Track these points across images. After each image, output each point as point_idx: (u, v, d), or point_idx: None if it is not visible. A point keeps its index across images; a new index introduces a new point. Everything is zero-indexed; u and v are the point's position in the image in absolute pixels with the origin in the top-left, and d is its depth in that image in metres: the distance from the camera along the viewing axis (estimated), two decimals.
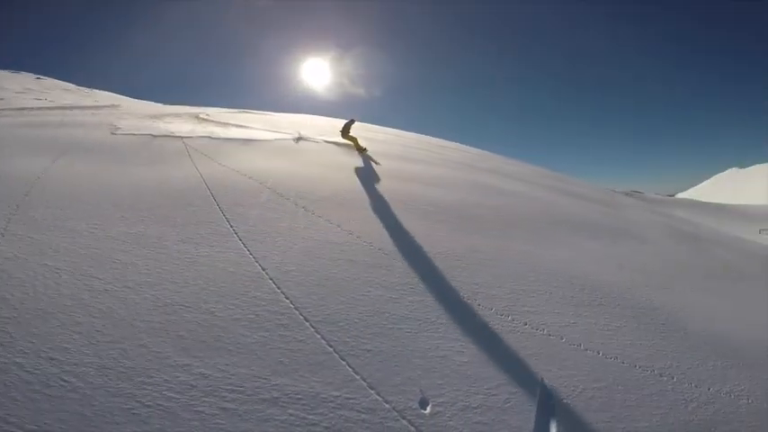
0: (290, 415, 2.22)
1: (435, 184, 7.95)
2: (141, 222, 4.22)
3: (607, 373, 3.14)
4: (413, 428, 2.31)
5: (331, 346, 2.77)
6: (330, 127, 14.38)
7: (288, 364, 2.56)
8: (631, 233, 8.18)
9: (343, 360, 2.67)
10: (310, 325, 2.93)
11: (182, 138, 8.96)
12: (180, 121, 12.35)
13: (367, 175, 7.52)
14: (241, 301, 3.07)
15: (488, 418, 2.47)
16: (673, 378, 3.29)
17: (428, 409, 2.45)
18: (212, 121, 12.71)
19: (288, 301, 3.18)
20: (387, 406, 2.41)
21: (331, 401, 2.36)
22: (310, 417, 2.24)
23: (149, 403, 2.13)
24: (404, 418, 2.36)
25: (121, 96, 23.44)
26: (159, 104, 21.14)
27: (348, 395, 2.42)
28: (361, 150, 9.80)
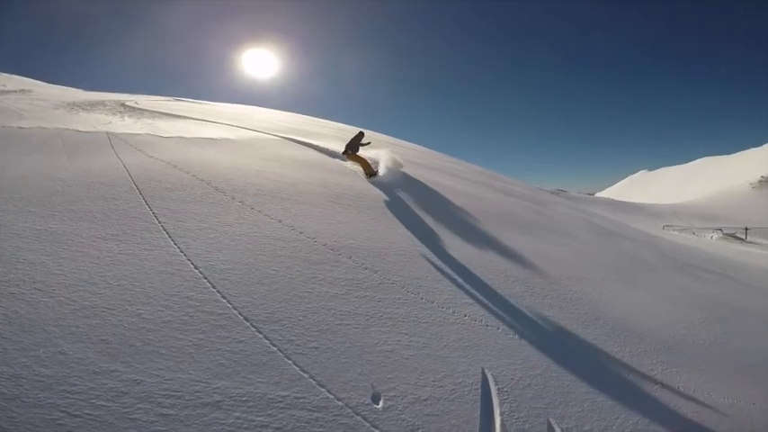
0: (237, 418, 2.10)
1: (380, 180, 7.95)
2: (52, 218, 3.76)
3: (541, 361, 3.34)
4: (367, 424, 2.28)
5: (275, 346, 2.65)
6: (273, 120, 13.88)
7: (228, 365, 2.41)
8: (558, 229, 8.80)
9: (289, 359, 2.57)
10: (251, 325, 2.78)
11: (106, 132, 8.12)
12: (103, 110, 11.23)
13: (312, 170, 7.34)
14: (172, 302, 2.84)
15: (437, 410, 2.52)
16: (598, 364, 3.57)
17: (381, 403, 2.44)
18: (144, 111, 11.71)
19: (225, 300, 2.99)
20: (339, 403, 2.36)
21: (279, 402, 2.26)
22: (259, 419, 2.13)
23: (76, 413, 1.92)
24: (358, 414, 2.33)
25: (34, 81, 20.72)
26: (80, 90, 18.94)
27: (297, 394, 2.34)
28: (371, 175, 8.03)
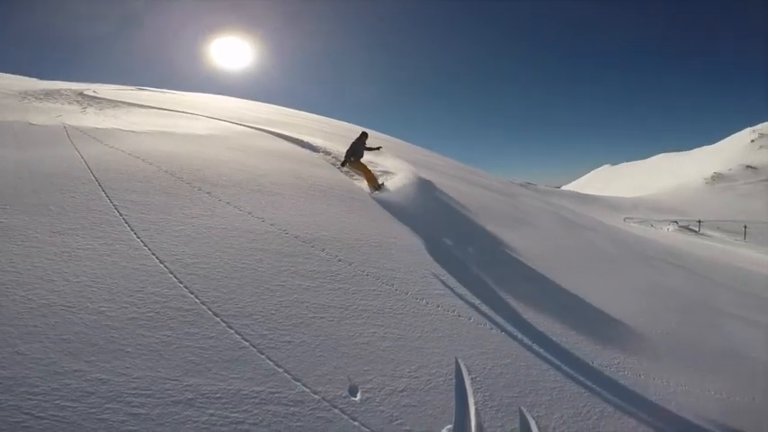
0: (211, 415, 2.03)
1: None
2: (3, 212, 3.51)
3: (511, 350, 3.41)
4: (345, 417, 2.26)
5: (247, 341, 2.57)
6: (244, 110, 13.50)
7: (199, 362, 2.32)
8: (529, 221, 9.00)
9: (262, 354, 2.50)
10: (221, 320, 2.69)
11: (62, 122, 7.64)
12: (59, 99, 10.59)
13: (283, 161, 7.17)
14: (136, 299, 2.70)
15: (414, 400, 2.52)
16: (565, 353, 3.68)
17: (358, 395, 2.42)
18: (104, 100, 11.13)
19: (193, 296, 2.87)
20: (316, 396, 2.33)
21: (254, 397, 2.20)
22: (233, 415, 2.06)
23: (41, 414, 1.81)
24: (335, 407, 2.30)
25: None
26: (34, 79, 17.72)
27: (272, 389, 2.28)
28: (377, 187, 6.73)
